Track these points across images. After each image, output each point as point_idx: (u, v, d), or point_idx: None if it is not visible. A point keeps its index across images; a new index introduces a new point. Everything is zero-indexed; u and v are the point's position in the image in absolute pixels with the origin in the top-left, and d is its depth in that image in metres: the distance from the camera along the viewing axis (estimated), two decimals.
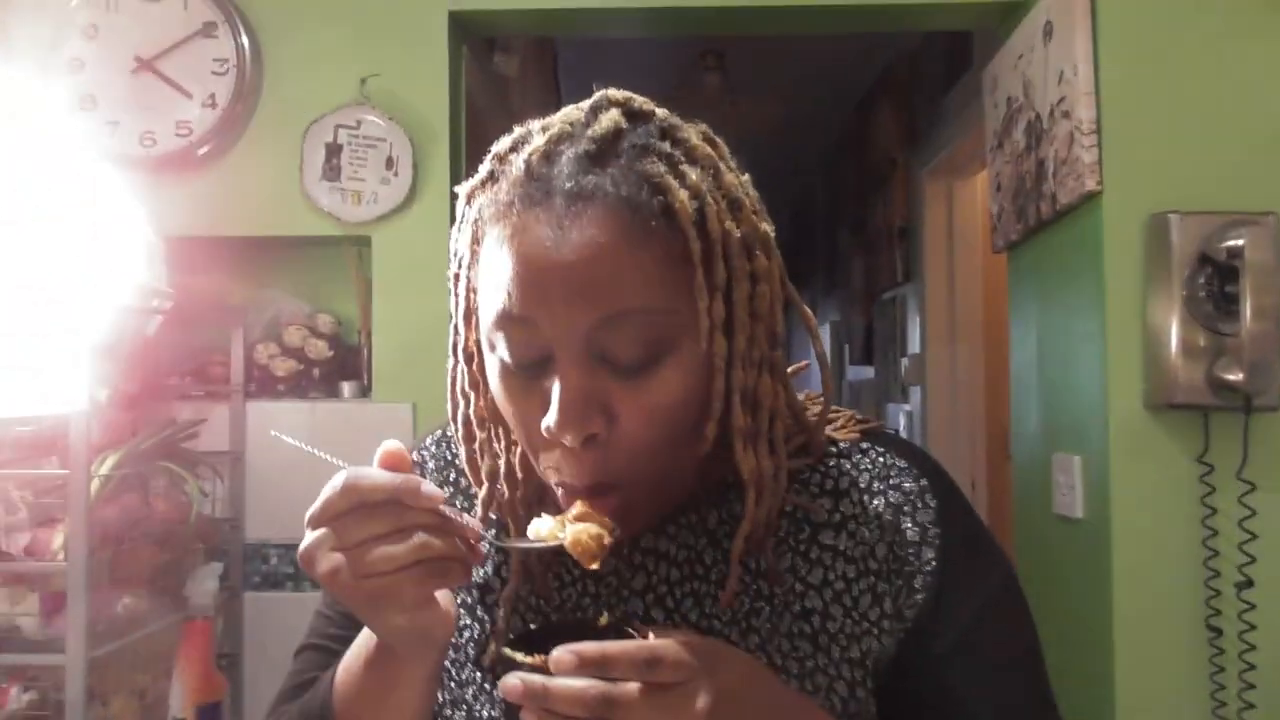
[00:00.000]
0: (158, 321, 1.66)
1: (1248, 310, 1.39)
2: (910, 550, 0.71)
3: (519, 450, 0.72)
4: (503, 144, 0.68)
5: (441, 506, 0.61)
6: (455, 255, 0.70)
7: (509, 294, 0.63)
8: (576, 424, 0.62)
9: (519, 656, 0.58)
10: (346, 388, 1.87)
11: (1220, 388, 1.46)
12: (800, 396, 0.78)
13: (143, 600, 1.55)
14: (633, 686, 0.56)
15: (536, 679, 0.56)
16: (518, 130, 0.69)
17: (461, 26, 1.93)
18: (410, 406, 1.84)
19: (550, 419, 0.63)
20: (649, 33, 2.11)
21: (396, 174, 1.81)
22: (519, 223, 0.63)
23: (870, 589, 0.70)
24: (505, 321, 0.64)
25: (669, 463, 0.67)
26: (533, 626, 0.71)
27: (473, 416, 0.73)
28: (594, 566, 0.63)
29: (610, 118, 0.65)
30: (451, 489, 0.81)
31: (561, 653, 0.56)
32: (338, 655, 0.72)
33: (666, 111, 0.69)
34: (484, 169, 0.68)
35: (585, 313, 0.62)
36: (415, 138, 1.82)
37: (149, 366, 1.72)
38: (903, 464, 0.74)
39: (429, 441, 0.85)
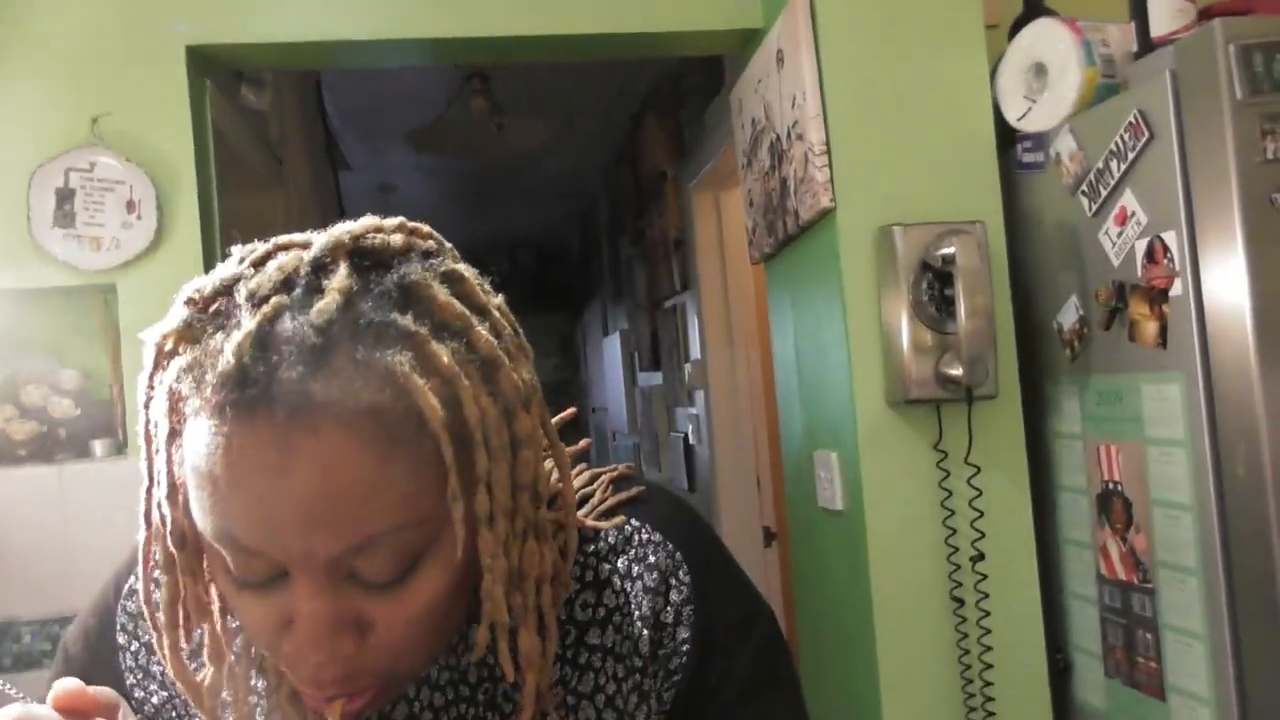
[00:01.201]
0: None
1: (962, 310, 1.54)
2: (666, 633, 0.69)
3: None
4: (203, 286, 0.57)
5: None
6: (149, 418, 0.58)
7: (231, 522, 0.53)
8: (327, 652, 0.55)
9: None
10: (99, 446, 1.76)
11: (946, 382, 1.61)
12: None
13: None
14: None
15: None
16: (221, 270, 0.58)
17: (202, 62, 1.86)
18: None
19: (296, 645, 0.55)
20: (407, 62, 2.10)
21: (140, 217, 1.72)
22: (233, 434, 0.52)
23: (636, 687, 0.68)
24: (227, 540, 0.54)
25: (429, 652, 0.62)
26: None
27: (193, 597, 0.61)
28: None
29: (337, 286, 0.54)
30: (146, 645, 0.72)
31: None
32: None
33: (403, 238, 0.60)
34: (176, 317, 0.57)
35: (326, 546, 0.53)
36: (157, 178, 1.74)
37: None
38: (657, 538, 0.71)
39: (121, 592, 0.74)
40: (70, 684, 0.55)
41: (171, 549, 0.59)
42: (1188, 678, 1.37)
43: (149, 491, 0.60)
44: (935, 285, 1.62)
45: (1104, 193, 1.47)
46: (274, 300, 0.54)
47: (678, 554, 0.71)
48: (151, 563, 0.61)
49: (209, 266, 1.83)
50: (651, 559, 0.70)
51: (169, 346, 0.57)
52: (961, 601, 1.64)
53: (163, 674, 0.70)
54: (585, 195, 5.78)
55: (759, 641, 0.72)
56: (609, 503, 0.74)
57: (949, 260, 1.57)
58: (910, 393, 1.63)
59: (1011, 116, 1.68)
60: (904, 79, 1.71)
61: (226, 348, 0.53)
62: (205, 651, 0.63)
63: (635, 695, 0.68)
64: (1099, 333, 1.52)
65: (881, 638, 1.65)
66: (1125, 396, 1.46)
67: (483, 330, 0.58)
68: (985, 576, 1.62)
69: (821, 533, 1.90)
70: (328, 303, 0.53)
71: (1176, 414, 1.36)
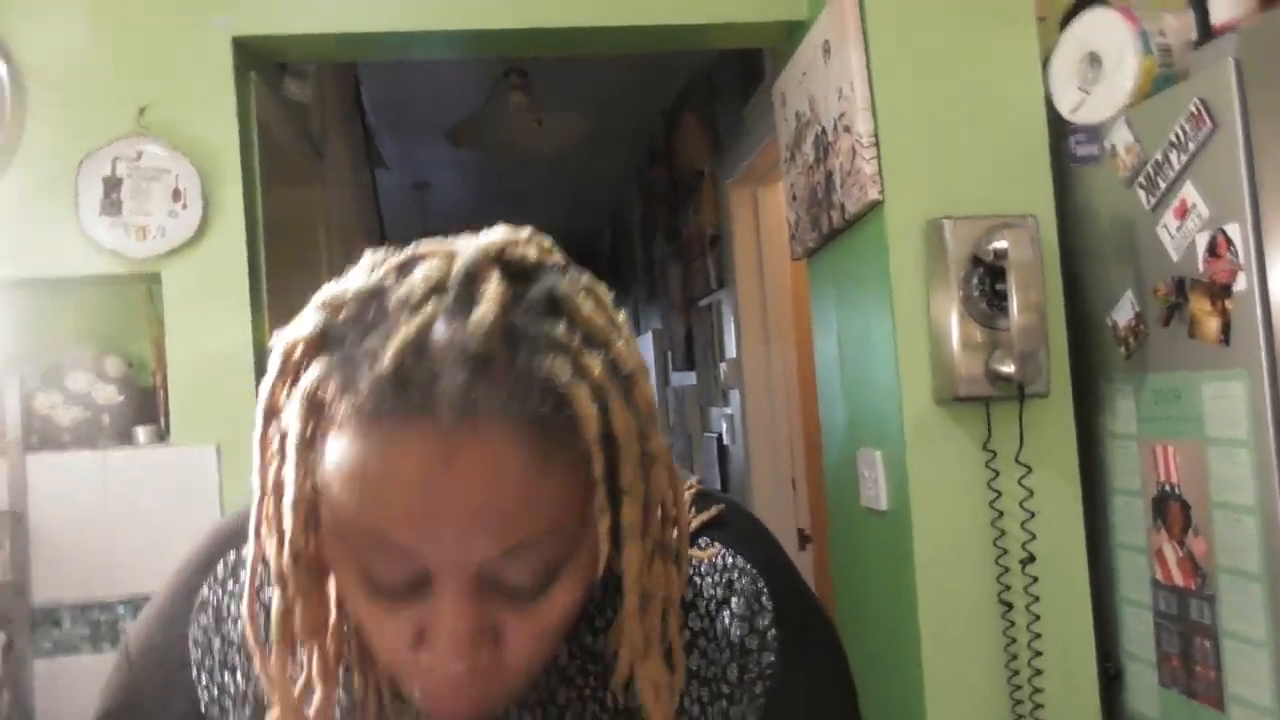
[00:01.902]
0: None
1: (1014, 306, 1.51)
2: (752, 659, 0.70)
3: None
4: (331, 295, 0.57)
5: None
6: (276, 421, 0.58)
7: (385, 522, 0.53)
8: (466, 660, 0.55)
9: None
10: (141, 433, 1.77)
11: (997, 379, 1.57)
12: None
13: None
14: None
15: None
16: (357, 276, 0.58)
17: (248, 53, 1.86)
18: (214, 449, 1.76)
19: (434, 656, 0.55)
20: (448, 54, 2.09)
21: (185, 206, 1.73)
22: (394, 438, 0.52)
23: (723, 713, 0.69)
24: (377, 546, 0.54)
25: (549, 659, 0.62)
26: None
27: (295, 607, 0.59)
28: None
29: (493, 295, 0.54)
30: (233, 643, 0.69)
31: None
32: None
33: (536, 250, 0.59)
34: (308, 322, 0.57)
35: (484, 547, 0.53)
36: (203, 168, 1.74)
37: None
38: (741, 563, 0.71)
39: (220, 571, 0.71)
40: None
41: (288, 562, 0.58)
42: (1249, 687, 1.33)
43: (262, 503, 0.59)
44: (986, 280, 1.59)
45: (1163, 185, 1.43)
46: (429, 308, 0.54)
47: (760, 580, 0.71)
48: (258, 579, 0.61)
49: (253, 258, 1.84)
50: (737, 585, 0.70)
51: (299, 353, 0.56)
52: (1010, 605, 1.60)
53: (244, 666, 0.68)
54: (617, 194, 5.77)
55: (832, 670, 0.73)
56: (694, 525, 0.72)
57: (1001, 254, 1.54)
58: (959, 390, 1.60)
59: (1064, 108, 1.64)
60: (954, 70, 1.68)
61: (382, 354, 0.52)
62: (313, 670, 0.61)
63: (721, 719, 0.68)
64: (1156, 329, 1.48)
65: (926, 640, 1.61)
66: (1184, 395, 1.42)
67: (622, 344, 0.58)
68: (1035, 579, 1.58)
69: (864, 533, 1.87)
70: (485, 311, 0.53)
71: (1240, 413, 1.32)
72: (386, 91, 3.35)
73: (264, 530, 0.60)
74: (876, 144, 1.66)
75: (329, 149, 2.64)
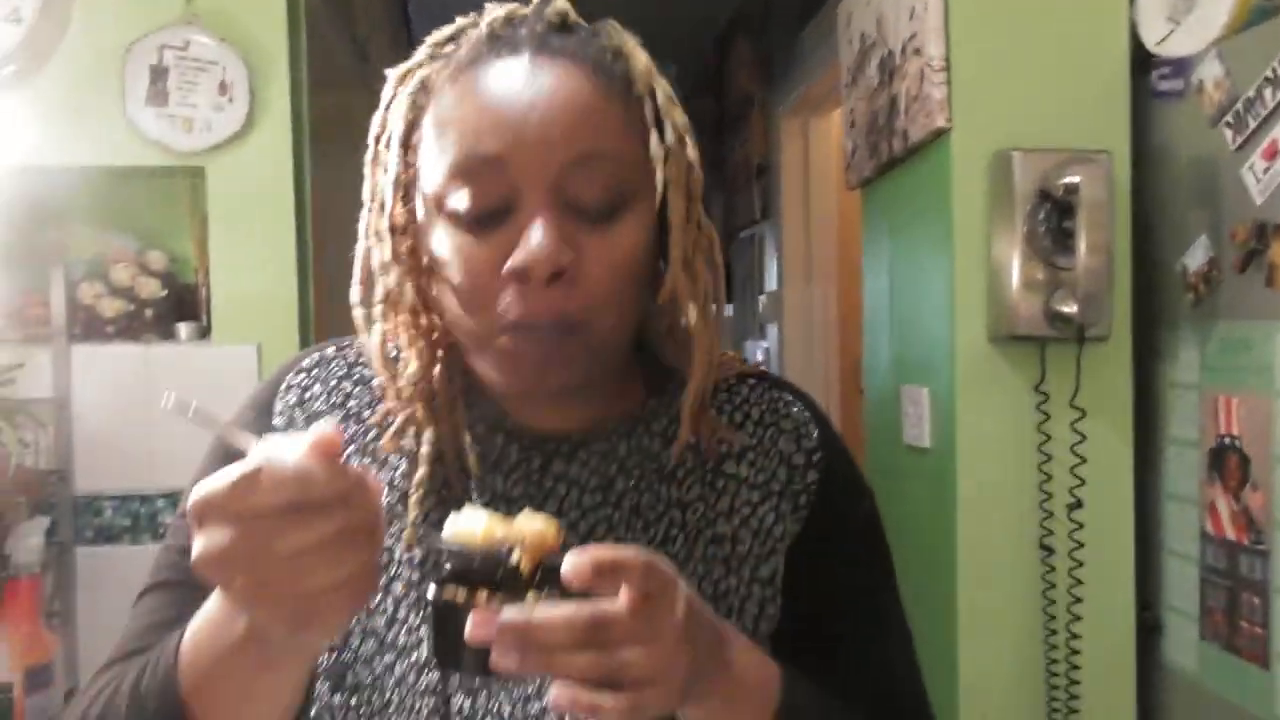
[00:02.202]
0: None
1: (1082, 245, 1.45)
2: (798, 473, 0.76)
3: (439, 335, 0.72)
4: (439, 35, 0.71)
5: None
6: (383, 133, 0.71)
7: (478, 136, 0.64)
8: (550, 256, 0.62)
9: (462, 594, 0.54)
10: (183, 329, 1.76)
11: (1056, 319, 1.52)
12: None
13: None
14: (621, 604, 0.53)
15: (515, 614, 0.52)
16: (453, 25, 0.72)
17: None
18: (255, 349, 1.75)
19: (521, 255, 0.63)
20: None
21: (231, 100, 1.70)
22: (486, 71, 0.66)
23: (774, 509, 0.75)
24: (470, 166, 0.64)
25: (617, 325, 0.69)
26: (449, 567, 0.62)
27: (407, 293, 0.70)
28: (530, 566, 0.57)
29: (560, 6, 0.70)
30: (340, 412, 0.75)
31: (579, 565, 0.52)
32: (186, 590, 0.66)
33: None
34: (419, 54, 0.70)
35: (560, 150, 0.64)
36: (251, 61, 1.71)
37: None
38: (788, 396, 0.80)
39: (306, 363, 0.78)
40: (331, 432, 0.51)
41: (388, 230, 0.69)
42: None
43: (369, 215, 0.71)
44: (1053, 216, 1.53)
45: (1252, 124, 1.36)
46: (509, 7, 0.70)
47: (807, 413, 0.79)
48: (368, 272, 0.71)
49: (298, 158, 1.80)
50: (783, 410, 0.78)
51: (404, 72, 0.70)
52: (1051, 550, 1.58)
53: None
54: None
55: (869, 511, 0.80)
56: (741, 369, 0.81)
57: (1072, 190, 1.48)
58: (1017, 328, 1.55)
59: (1150, 40, 1.56)
60: None
61: (470, 34, 0.69)
62: (408, 346, 0.71)
63: (772, 515, 0.75)
64: (1230, 276, 1.42)
65: (963, 579, 1.59)
66: (1255, 346, 1.37)
67: (664, 76, 0.72)
68: (1081, 526, 1.55)
69: (905, 470, 1.84)
70: (557, 7, 0.70)
71: None
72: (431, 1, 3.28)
73: (370, 236, 0.71)
74: (947, 69, 1.59)
75: (373, 53, 2.58)
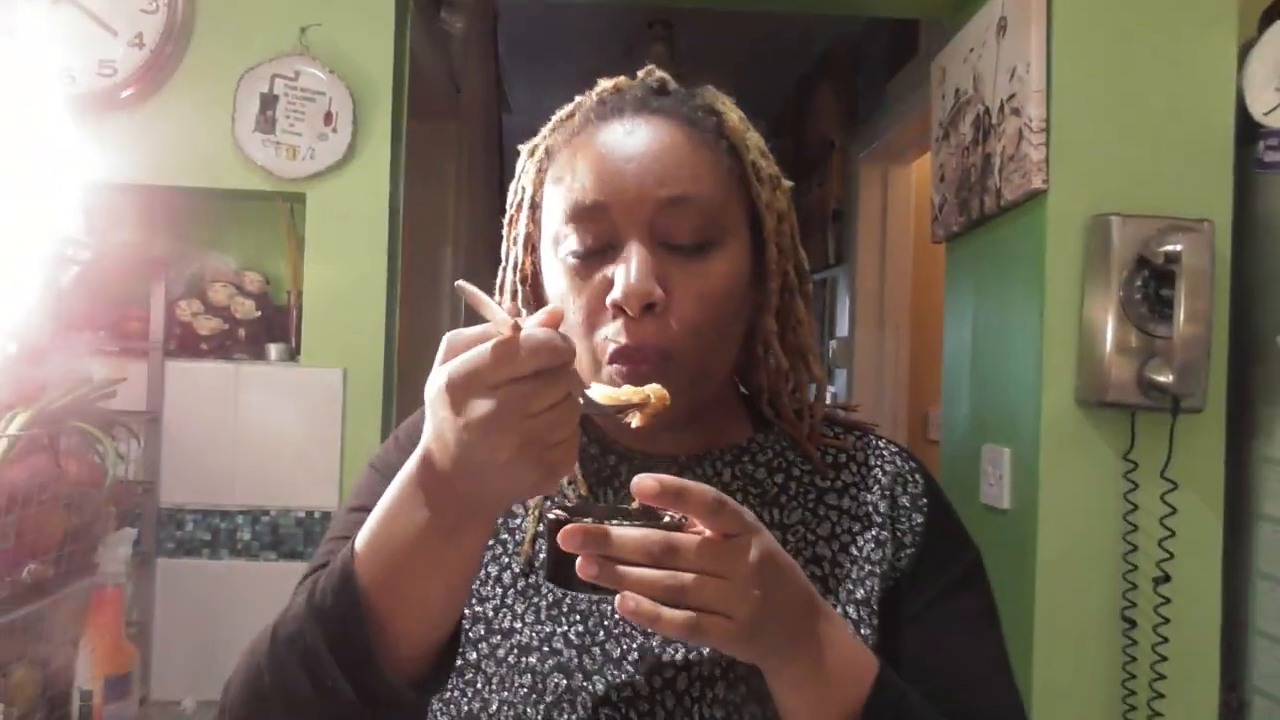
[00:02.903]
0: (74, 272, 1.57)
1: (1181, 314, 1.43)
2: (903, 513, 0.82)
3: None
4: (561, 112, 0.83)
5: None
6: (515, 198, 0.84)
7: (585, 186, 0.74)
8: (642, 289, 0.71)
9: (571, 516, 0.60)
10: (273, 350, 1.80)
11: (1150, 388, 1.50)
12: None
13: (50, 566, 1.48)
14: (693, 536, 0.59)
15: (597, 526, 0.58)
16: (572, 102, 0.83)
17: None
18: (341, 373, 1.78)
19: (618, 288, 0.72)
20: None
21: (335, 129, 1.74)
22: (595, 132, 0.77)
23: (874, 539, 0.80)
24: (579, 212, 0.74)
25: (710, 354, 0.76)
26: (569, 504, 0.74)
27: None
28: (638, 423, 0.66)
29: (659, 75, 0.82)
30: None
31: (645, 478, 0.59)
32: None
33: None
34: (544, 131, 0.83)
35: (653, 192, 0.73)
36: (356, 93, 1.75)
37: (62, 320, 1.63)
38: (893, 449, 0.87)
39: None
40: (554, 306, 0.62)
41: (518, 284, 0.83)
42: None
43: (505, 261, 0.85)
44: (1151, 283, 1.51)
45: None
46: (615, 80, 0.82)
47: (911, 462, 0.86)
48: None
49: (394, 188, 1.84)
50: (887, 458, 0.85)
51: (532, 146, 0.84)
52: (1134, 623, 1.54)
53: None
54: None
55: (975, 561, 0.85)
56: (851, 416, 0.91)
57: (1173, 258, 1.46)
58: (1106, 395, 1.53)
59: (1258, 110, 1.54)
60: (1140, 60, 1.59)
61: (583, 103, 0.81)
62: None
63: (872, 544, 0.80)
64: None
65: (1040, 648, 1.56)
66: None
67: (755, 133, 0.82)
68: (1167, 600, 1.51)
69: (980, 530, 1.80)
70: (656, 75, 0.82)
71: None
72: (523, 32, 3.33)
73: (503, 285, 0.85)
74: (1047, 130, 1.58)
75: (466, 85, 2.64)
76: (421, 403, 0.66)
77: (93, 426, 1.54)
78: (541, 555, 0.74)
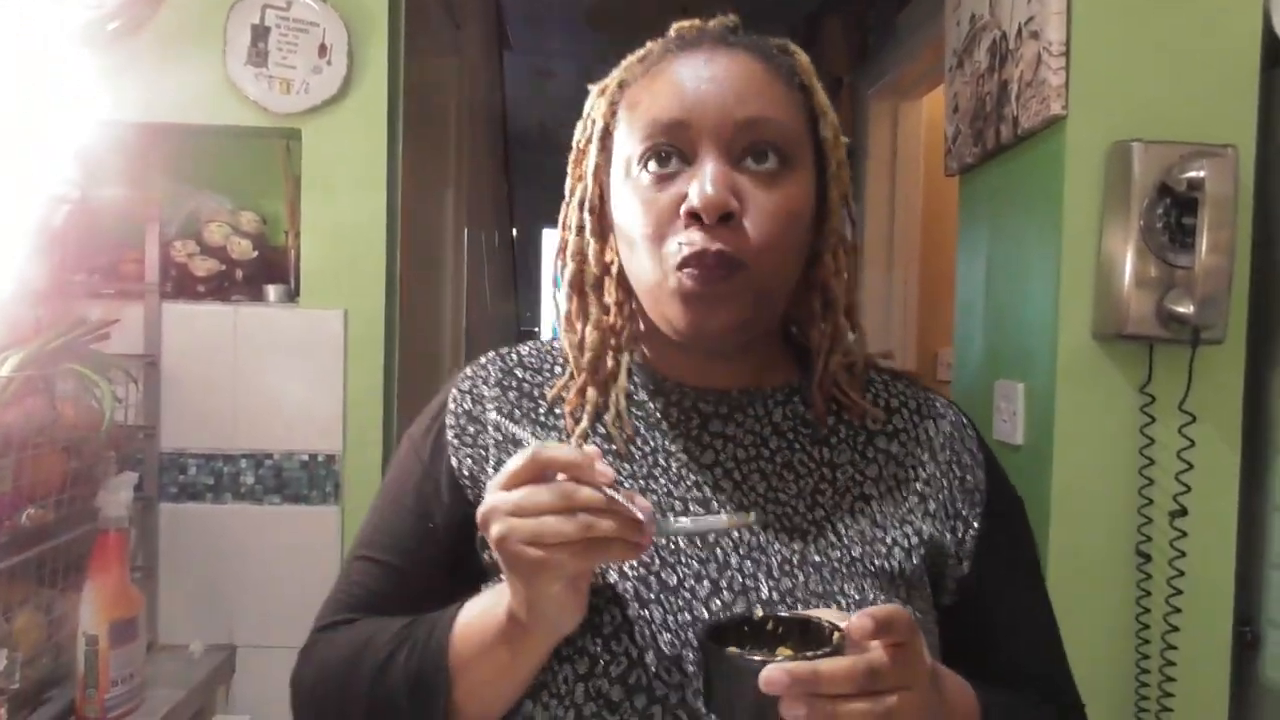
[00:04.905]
0: (65, 212, 1.53)
1: (1204, 243, 1.38)
2: (970, 471, 0.86)
3: (614, 311, 0.86)
4: (632, 56, 0.85)
5: (608, 491, 0.64)
6: (583, 133, 0.86)
7: (665, 105, 0.77)
8: (720, 198, 0.74)
9: (754, 657, 0.61)
10: (272, 291, 1.77)
11: (1169, 320, 1.46)
12: None
13: (50, 511, 1.46)
14: (885, 653, 0.60)
15: (803, 666, 0.58)
16: (644, 47, 0.85)
17: None
18: (341, 314, 1.75)
19: (695, 196, 0.74)
20: None
21: (330, 62, 1.69)
22: (673, 60, 0.80)
23: (919, 493, 0.83)
24: (658, 128, 0.77)
25: (777, 274, 0.79)
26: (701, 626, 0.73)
27: (591, 269, 0.85)
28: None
29: (734, 19, 0.85)
30: (515, 393, 0.87)
31: (862, 619, 0.60)
32: (390, 569, 0.83)
33: None
34: (615, 74, 0.85)
35: (732, 111, 0.76)
36: (351, 24, 1.70)
37: (55, 261, 1.59)
38: (942, 402, 0.90)
39: (484, 361, 0.90)
40: (593, 450, 0.66)
41: (582, 212, 0.85)
42: None
43: (570, 197, 0.86)
44: (1172, 212, 1.46)
45: None
46: (695, 21, 0.85)
47: (964, 417, 0.90)
48: (564, 250, 0.87)
49: (393, 124, 1.79)
50: (940, 411, 0.88)
51: (603, 86, 0.85)
52: (1149, 558, 1.52)
53: (497, 425, 0.85)
54: None
55: (1026, 522, 0.90)
56: (894, 361, 0.93)
57: (1195, 185, 1.41)
58: (1125, 327, 1.49)
59: None
60: None
61: (660, 42, 0.84)
62: (597, 314, 0.85)
63: (915, 497, 0.83)
64: None
65: (1055, 584, 1.51)
66: None
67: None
68: (1184, 534, 1.49)
69: None
70: (729, 21, 0.85)
71: None
72: None
73: (568, 226, 0.86)
74: (1067, 54, 1.52)
75: (465, 20, 2.57)
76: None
77: (89, 369, 1.51)
78: (650, 676, 0.74)
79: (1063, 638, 0.91)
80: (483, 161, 2.76)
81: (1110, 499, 1.54)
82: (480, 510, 0.66)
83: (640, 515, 0.64)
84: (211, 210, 1.77)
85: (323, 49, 1.67)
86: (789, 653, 0.63)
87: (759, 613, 0.70)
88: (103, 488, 1.50)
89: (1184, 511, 1.49)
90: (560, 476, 0.65)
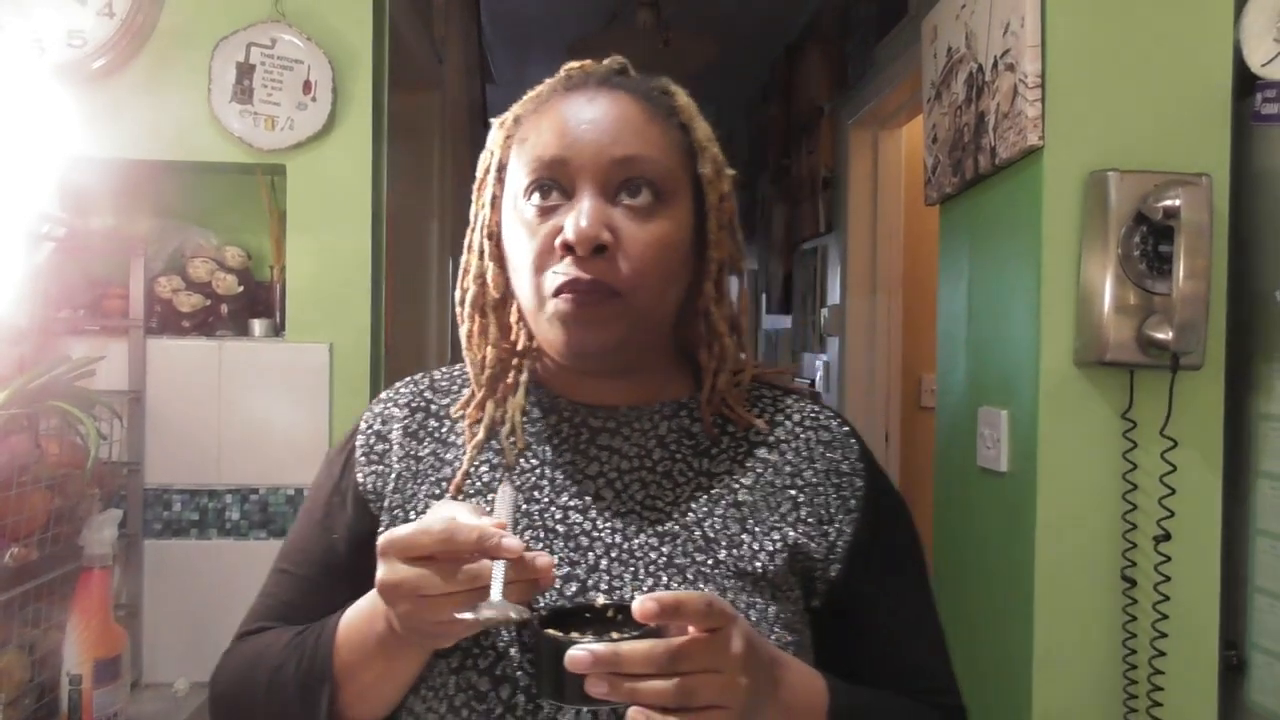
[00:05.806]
0: (49, 249, 1.53)
1: (1181, 270, 1.40)
2: (845, 480, 0.89)
3: (513, 330, 0.92)
4: (531, 92, 0.89)
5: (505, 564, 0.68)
6: (484, 164, 0.90)
7: (547, 142, 0.82)
8: (592, 231, 0.78)
9: (562, 635, 0.66)
10: (257, 326, 1.77)
11: (1149, 346, 1.48)
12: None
13: (33, 550, 1.45)
14: (690, 638, 0.64)
15: (604, 647, 0.63)
16: (543, 84, 0.89)
17: None
18: (327, 347, 1.75)
19: (569, 229, 0.78)
20: None
21: (314, 99, 1.70)
22: (559, 100, 0.84)
23: (792, 500, 0.87)
24: (542, 165, 0.82)
25: (653, 300, 0.83)
26: (542, 612, 0.76)
27: (490, 291, 0.89)
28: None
29: (621, 60, 0.89)
30: (423, 414, 0.92)
31: (645, 601, 0.62)
32: (300, 580, 0.89)
33: None
34: (513, 110, 0.89)
35: (608, 150, 0.81)
36: (336, 61, 1.71)
37: (39, 297, 1.59)
38: (827, 414, 0.95)
39: (399, 385, 0.96)
40: (514, 542, 0.69)
41: (480, 237, 0.89)
42: None
43: (474, 222, 0.90)
44: (1149, 240, 1.49)
45: None
46: (581, 65, 0.89)
47: (845, 427, 0.94)
48: (467, 273, 0.91)
49: (377, 159, 1.80)
50: (822, 423, 0.93)
51: (503, 119, 0.89)
52: (1134, 583, 1.53)
53: (403, 445, 0.91)
54: (724, 130, 5.63)
55: (908, 526, 0.94)
56: (786, 377, 0.97)
57: (1171, 214, 1.43)
58: (1105, 354, 1.50)
59: (1255, 61, 1.52)
60: (1136, 10, 1.55)
61: (550, 81, 0.88)
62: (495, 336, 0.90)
63: (789, 504, 0.87)
64: None
65: (1040, 609, 1.55)
66: None
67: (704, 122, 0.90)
68: (1168, 559, 1.50)
69: (977, 494, 1.80)
70: (618, 62, 0.89)
71: None
72: (506, 2, 3.28)
73: (470, 245, 0.90)
74: (1042, 85, 1.55)
75: (448, 55, 2.59)
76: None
77: (73, 406, 1.51)
78: (514, 668, 0.78)
79: (946, 638, 0.93)
80: (467, 193, 2.77)
81: (1094, 524, 1.55)
82: (382, 581, 0.71)
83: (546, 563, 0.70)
84: (196, 245, 1.77)
85: (307, 85, 1.69)
86: (617, 636, 0.66)
87: (600, 600, 0.74)
88: (86, 525, 1.49)
89: (1168, 536, 1.50)
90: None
